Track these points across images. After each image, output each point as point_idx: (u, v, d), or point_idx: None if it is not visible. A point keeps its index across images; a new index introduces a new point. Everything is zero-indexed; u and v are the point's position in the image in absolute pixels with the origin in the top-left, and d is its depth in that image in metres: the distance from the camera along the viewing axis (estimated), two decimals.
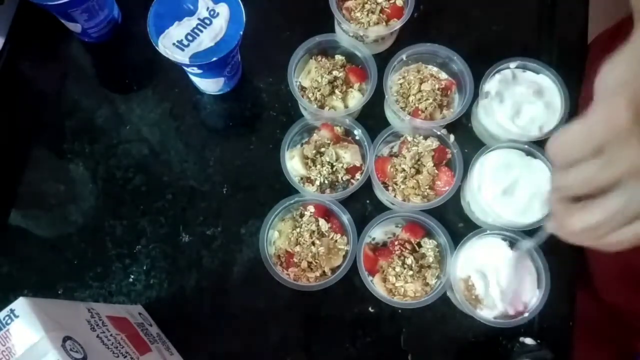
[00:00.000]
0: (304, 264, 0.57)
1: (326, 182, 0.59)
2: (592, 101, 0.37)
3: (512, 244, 0.58)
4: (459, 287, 0.56)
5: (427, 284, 0.57)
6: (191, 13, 0.57)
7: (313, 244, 0.57)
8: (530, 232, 0.57)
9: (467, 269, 0.57)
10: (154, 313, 0.60)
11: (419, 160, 0.60)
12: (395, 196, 0.59)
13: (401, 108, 0.62)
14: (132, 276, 0.62)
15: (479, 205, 0.59)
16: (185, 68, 0.60)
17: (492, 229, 0.58)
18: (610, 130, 0.34)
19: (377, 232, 0.60)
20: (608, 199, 0.37)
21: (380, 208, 0.63)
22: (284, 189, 0.60)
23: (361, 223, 0.58)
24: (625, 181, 0.35)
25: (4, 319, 0.40)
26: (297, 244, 0.58)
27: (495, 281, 0.56)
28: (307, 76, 0.64)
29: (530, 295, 0.56)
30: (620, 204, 0.36)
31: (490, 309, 0.56)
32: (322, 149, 0.60)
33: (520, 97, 0.61)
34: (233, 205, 0.64)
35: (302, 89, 0.64)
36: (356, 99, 0.63)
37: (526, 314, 0.55)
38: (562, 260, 0.60)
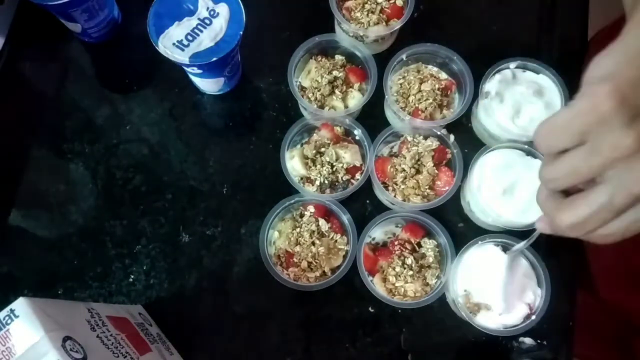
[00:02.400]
0: (304, 264, 0.57)
1: (326, 182, 0.59)
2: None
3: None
4: (460, 300, 0.56)
5: (427, 284, 0.57)
6: (191, 13, 0.57)
7: (313, 244, 0.57)
8: (529, 232, 0.57)
9: (467, 280, 0.57)
10: (154, 313, 0.60)
11: (419, 160, 0.60)
12: (395, 196, 0.59)
13: (401, 108, 0.62)
14: (132, 276, 0.62)
15: (479, 205, 0.59)
16: (185, 68, 0.60)
17: (492, 229, 0.58)
18: (592, 117, 0.35)
19: (377, 232, 0.60)
20: (594, 192, 0.36)
21: (380, 208, 0.63)
22: (284, 189, 0.60)
23: (361, 223, 0.58)
24: (610, 171, 0.35)
25: (4, 319, 0.40)
26: (297, 244, 0.58)
27: (496, 289, 0.56)
28: (307, 76, 0.64)
29: (532, 297, 0.56)
30: (606, 196, 0.36)
31: (494, 318, 0.55)
32: (322, 149, 0.60)
33: (520, 97, 0.61)
34: (233, 205, 0.64)
35: (302, 89, 0.64)
36: (356, 99, 0.63)
37: (533, 317, 0.55)
38: (562, 260, 0.60)
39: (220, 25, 0.57)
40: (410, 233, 0.59)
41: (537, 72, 0.63)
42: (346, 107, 0.63)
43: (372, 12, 0.64)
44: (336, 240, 0.58)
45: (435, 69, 0.65)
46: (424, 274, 0.57)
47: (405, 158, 0.60)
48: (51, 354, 0.39)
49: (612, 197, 0.35)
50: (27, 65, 0.69)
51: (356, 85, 0.63)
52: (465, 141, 0.63)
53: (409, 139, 0.61)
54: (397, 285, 0.57)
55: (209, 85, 0.65)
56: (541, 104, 0.61)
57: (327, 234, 0.59)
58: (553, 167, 0.38)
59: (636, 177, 0.34)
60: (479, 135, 0.66)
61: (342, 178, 0.60)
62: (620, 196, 0.35)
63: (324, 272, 0.57)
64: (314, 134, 0.62)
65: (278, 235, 0.60)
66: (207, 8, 0.57)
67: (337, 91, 0.62)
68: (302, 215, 0.60)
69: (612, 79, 0.35)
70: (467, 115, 0.66)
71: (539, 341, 0.59)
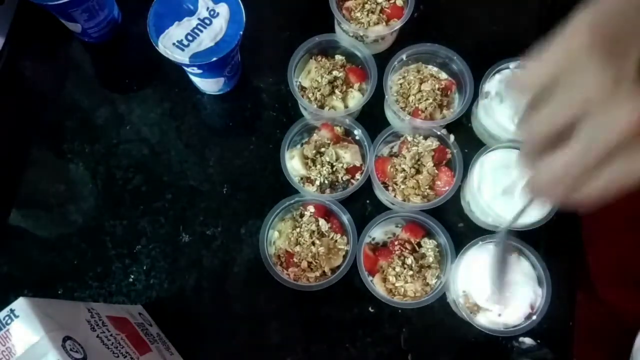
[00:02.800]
0: (304, 264, 0.57)
1: (326, 182, 0.59)
2: None
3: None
4: (460, 300, 0.56)
5: (427, 284, 0.57)
6: (191, 13, 0.57)
7: (313, 244, 0.57)
8: (529, 232, 0.57)
9: (467, 280, 0.56)
10: (154, 313, 0.60)
11: (419, 160, 0.60)
12: (395, 196, 0.59)
13: (401, 108, 0.62)
14: (132, 276, 0.62)
15: (479, 205, 0.59)
16: (185, 68, 0.60)
17: (492, 229, 0.58)
18: (567, 56, 0.32)
19: (377, 232, 0.60)
20: (570, 144, 0.34)
21: (380, 208, 0.63)
22: (284, 189, 0.60)
23: (361, 223, 0.58)
24: (585, 118, 0.32)
25: (4, 319, 0.40)
26: (297, 244, 0.58)
27: (494, 288, 0.56)
28: (307, 76, 0.64)
29: (534, 297, 0.56)
30: (581, 147, 0.33)
31: (494, 318, 0.55)
32: (322, 149, 0.60)
33: None
34: (233, 205, 0.64)
35: (302, 89, 0.64)
36: (356, 99, 0.63)
37: (534, 317, 0.55)
38: (562, 260, 0.60)
39: (220, 25, 0.57)
40: (410, 233, 0.59)
41: None
42: (346, 107, 0.63)
43: (372, 12, 0.64)
44: (336, 240, 0.58)
45: (435, 69, 0.65)
46: (424, 274, 0.57)
47: (405, 158, 0.60)
48: (51, 354, 0.39)
49: (588, 147, 0.33)
50: (27, 65, 0.69)
51: (356, 85, 0.63)
52: (465, 141, 0.63)
53: (409, 139, 0.61)
54: (397, 285, 0.57)
55: (209, 85, 0.65)
56: None
57: (327, 234, 0.59)
58: (530, 118, 0.36)
59: (611, 124, 0.31)
60: (479, 135, 0.66)
61: (342, 178, 0.60)
62: (596, 148, 0.32)
63: (324, 272, 0.57)
64: (314, 134, 0.62)
65: (278, 235, 0.60)
66: (207, 8, 0.57)
67: (337, 91, 0.62)
68: (302, 215, 0.60)
69: (589, 15, 0.32)
70: (467, 115, 0.66)
71: (539, 341, 0.59)
